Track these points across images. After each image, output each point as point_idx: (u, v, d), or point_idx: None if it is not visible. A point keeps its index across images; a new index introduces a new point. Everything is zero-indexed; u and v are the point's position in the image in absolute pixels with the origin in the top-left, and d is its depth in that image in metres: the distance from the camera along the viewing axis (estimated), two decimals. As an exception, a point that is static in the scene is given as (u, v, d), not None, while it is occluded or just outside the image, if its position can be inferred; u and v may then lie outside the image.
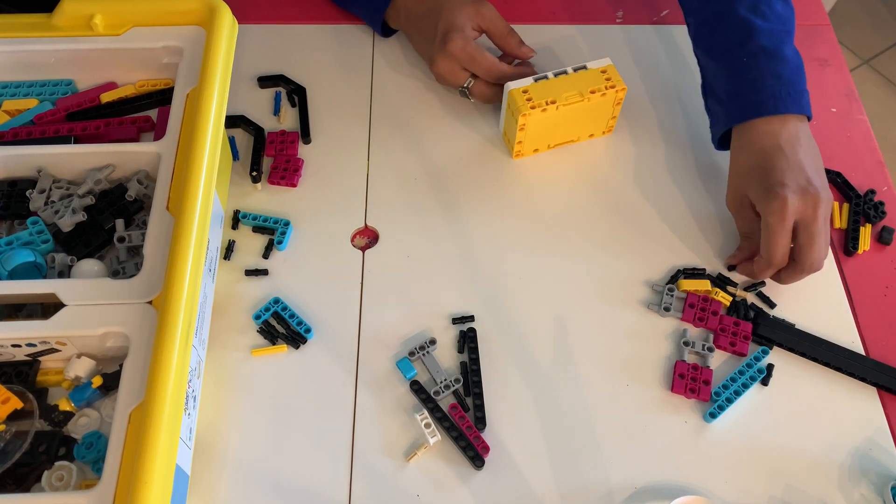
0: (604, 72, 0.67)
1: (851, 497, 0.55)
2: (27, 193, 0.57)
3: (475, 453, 0.55)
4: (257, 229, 0.66)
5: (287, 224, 0.65)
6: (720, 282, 0.64)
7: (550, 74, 0.66)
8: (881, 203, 0.69)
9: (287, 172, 0.68)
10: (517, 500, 0.54)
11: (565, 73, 0.67)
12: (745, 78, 0.63)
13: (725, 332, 0.61)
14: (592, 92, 0.66)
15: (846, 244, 0.67)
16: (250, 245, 0.65)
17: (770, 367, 0.60)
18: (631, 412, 0.58)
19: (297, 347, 0.60)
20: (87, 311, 0.49)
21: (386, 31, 0.78)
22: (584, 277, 0.64)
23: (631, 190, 0.70)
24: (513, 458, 0.56)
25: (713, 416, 0.57)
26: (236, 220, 0.66)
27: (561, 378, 0.59)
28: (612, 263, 0.65)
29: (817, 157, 0.61)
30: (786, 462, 0.56)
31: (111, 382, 0.52)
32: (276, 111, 0.74)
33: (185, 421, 0.50)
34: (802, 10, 0.83)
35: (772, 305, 0.63)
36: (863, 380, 0.59)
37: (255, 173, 0.68)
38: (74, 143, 0.62)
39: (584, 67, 0.67)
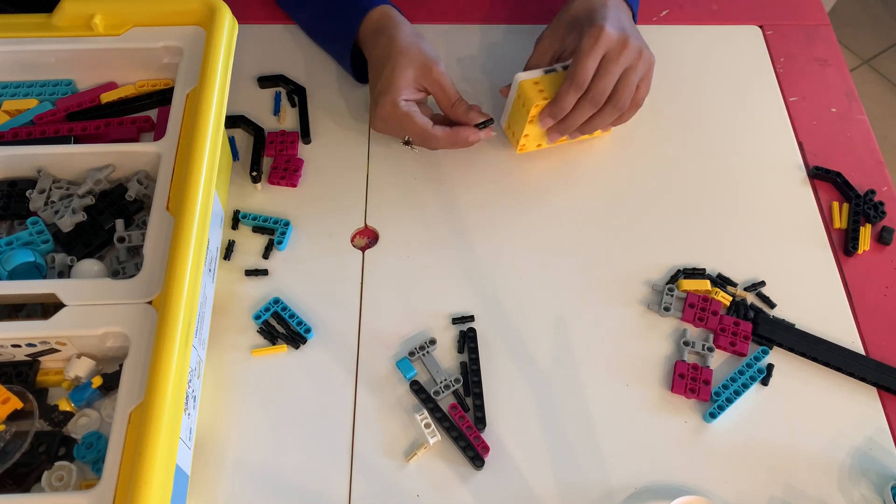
0: None
1: (851, 497, 0.55)
2: (27, 193, 0.57)
3: (475, 453, 0.55)
4: (257, 229, 0.66)
5: (287, 224, 0.65)
6: (720, 282, 0.64)
7: (559, 68, 0.66)
8: (881, 203, 0.69)
9: (287, 172, 0.68)
10: (517, 500, 0.54)
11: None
12: None
13: (725, 332, 0.61)
14: None
15: (846, 244, 0.67)
16: (250, 245, 0.65)
17: (770, 367, 0.60)
18: (631, 412, 0.58)
19: (297, 347, 0.60)
20: (87, 312, 0.49)
21: (358, 73, 0.73)
22: (584, 277, 0.64)
23: (631, 189, 0.70)
24: (513, 458, 0.56)
25: (713, 416, 0.57)
26: (236, 220, 0.66)
27: (561, 378, 0.59)
28: (612, 263, 0.65)
29: (636, 28, 0.67)
30: (786, 462, 0.56)
31: (111, 382, 0.52)
32: (276, 111, 0.74)
33: (185, 421, 0.50)
34: (802, 10, 0.84)
35: (772, 305, 0.63)
36: (863, 380, 0.59)
37: (255, 173, 0.68)
38: (74, 143, 0.61)
39: None
